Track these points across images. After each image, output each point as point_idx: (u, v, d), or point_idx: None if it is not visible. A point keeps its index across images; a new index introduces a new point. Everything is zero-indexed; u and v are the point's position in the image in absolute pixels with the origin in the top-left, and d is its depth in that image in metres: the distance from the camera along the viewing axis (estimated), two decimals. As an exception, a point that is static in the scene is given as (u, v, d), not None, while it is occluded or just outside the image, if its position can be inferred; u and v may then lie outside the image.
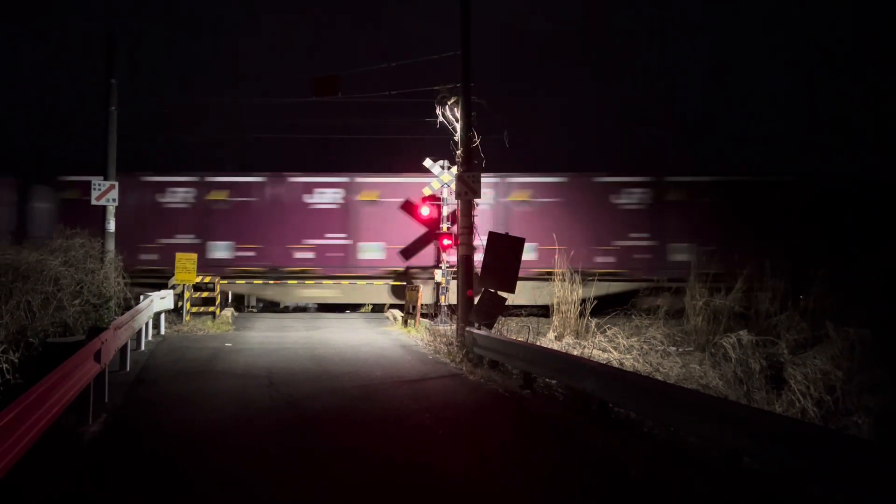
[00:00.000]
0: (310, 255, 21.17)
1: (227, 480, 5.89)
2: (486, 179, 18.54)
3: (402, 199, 21.28)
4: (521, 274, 13.14)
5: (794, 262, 12.74)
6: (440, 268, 19.89)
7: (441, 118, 16.72)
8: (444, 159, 19.69)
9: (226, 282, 20.14)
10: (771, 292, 12.19)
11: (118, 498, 5.53)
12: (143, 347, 13.23)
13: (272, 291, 21.48)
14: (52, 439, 6.20)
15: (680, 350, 12.16)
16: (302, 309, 23.68)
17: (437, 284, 19.84)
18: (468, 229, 14.25)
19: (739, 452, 5.92)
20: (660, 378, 9.82)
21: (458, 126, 15.34)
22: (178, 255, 18.03)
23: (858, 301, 11.19)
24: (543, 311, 16.69)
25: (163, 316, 16.00)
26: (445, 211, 20.28)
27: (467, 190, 14.09)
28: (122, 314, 11.98)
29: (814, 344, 10.22)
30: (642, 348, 12.12)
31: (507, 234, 13.71)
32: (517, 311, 15.11)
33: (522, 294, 16.00)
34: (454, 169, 16.84)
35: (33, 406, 5.32)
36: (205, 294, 19.16)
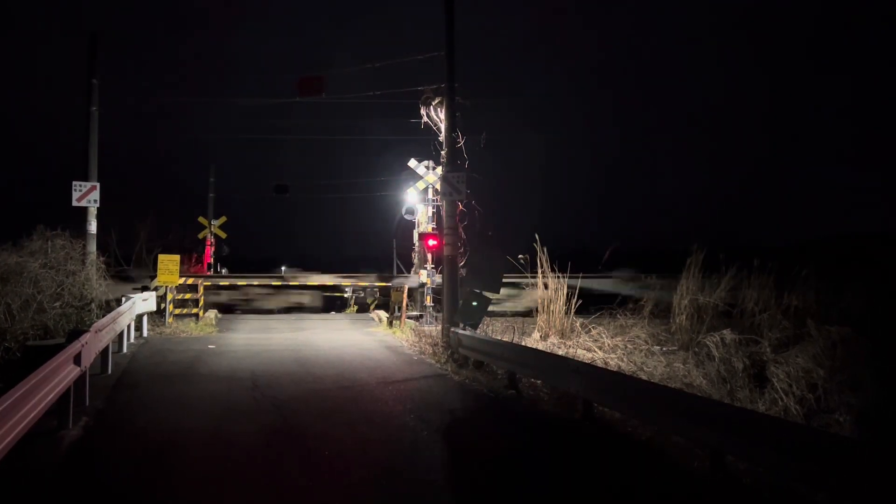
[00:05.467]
0: None
1: (210, 484, 5.83)
2: None
3: None
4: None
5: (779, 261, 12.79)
6: (425, 268, 19.85)
7: (426, 119, 16.70)
8: (428, 160, 19.67)
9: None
10: (756, 291, 12.25)
11: (97, 503, 5.47)
12: (125, 350, 13.08)
13: None
14: (31, 443, 6.11)
15: (664, 349, 12.20)
16: (286, 311, 23.58)
17: (422, 285, 19.80)
18: (453, 230, 14.24)
19: (723, 451, 5.94)
20: (644, 377, 9.85)
21: (442, 127, 15.32)
22: (161, 257, 17.88)
23: (840, 299, 11.29)
24: None
25: (145, 318, 15.84)
26: (430, 211, 20.25)
27: (452, 190, 14.08)
28: (104, 316, 11.85)
29: (796, 342, 10.29)
30: (627, 348, 12.16)
31: (492, 235, 13.73)
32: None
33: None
34: (439, 170, 16.82)
35: (11, 410, 5.24)
36: (187, 295, 19.01)
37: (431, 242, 19.19)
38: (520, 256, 14.52)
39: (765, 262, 12.40)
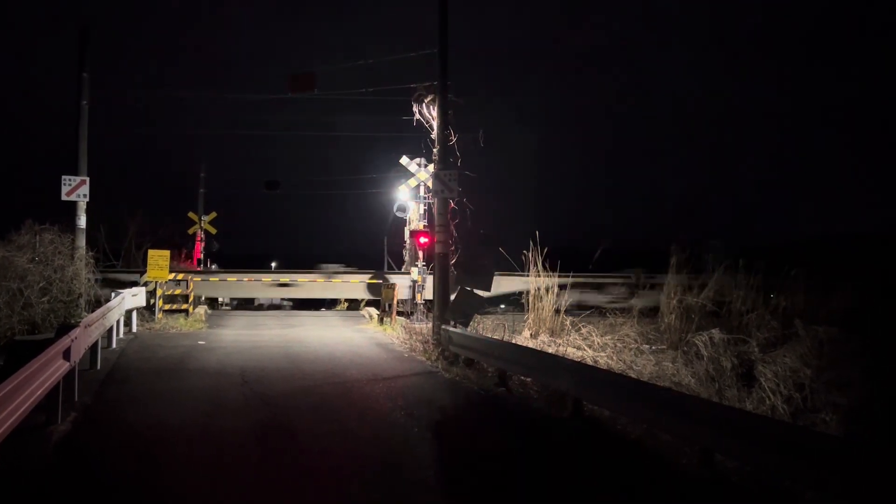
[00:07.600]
0: None
1: (199, 480, 5.82)
2: None
3: None
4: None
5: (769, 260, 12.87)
6: (416, 266, 19.86)
7: (418, 116, 16.70)
8: (420, 157, 19.69)
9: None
10: (743, 290, 12.32)
11: (86, 498, 5.45)
12: (114, 345, 13.01)
13: None
14: (20, 438, 6.07)
15: (653, 348, 12.26)
16: (276, 307, 23.53)
17: (414, 282, 19.81)
18: (445, 227, 14.24)
19: (711, 449, 5.98)
20: (633, 376, 9.90)
21: (434, 124, 15.32)
22: (151, 252, 17.83)
23: (829, 299, 11.38)
24: None
25: (135, 313, 15.77)
26: (421, 209, 20.26)
27: (444, 188, 14.08)
28: (93, 311, 11.78)
29: (784, 342, 10.36)
30: (616, 346, 12.21)
31: (483, 233, 13.75)
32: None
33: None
34: (431, 167, 16.82)
35: (-1, 405, 5.21)
36: (177, 291, 18.95)
37: (423, 240, 19.22)
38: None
39: (752, 261, 12.47)
